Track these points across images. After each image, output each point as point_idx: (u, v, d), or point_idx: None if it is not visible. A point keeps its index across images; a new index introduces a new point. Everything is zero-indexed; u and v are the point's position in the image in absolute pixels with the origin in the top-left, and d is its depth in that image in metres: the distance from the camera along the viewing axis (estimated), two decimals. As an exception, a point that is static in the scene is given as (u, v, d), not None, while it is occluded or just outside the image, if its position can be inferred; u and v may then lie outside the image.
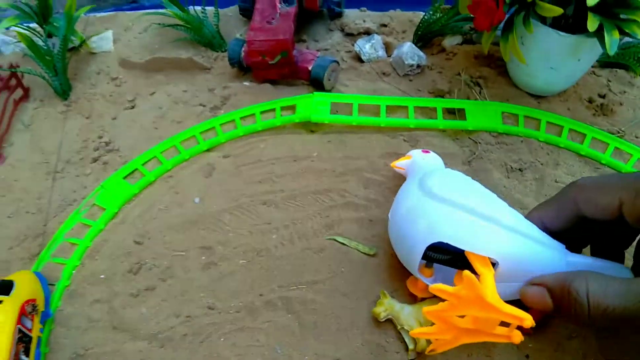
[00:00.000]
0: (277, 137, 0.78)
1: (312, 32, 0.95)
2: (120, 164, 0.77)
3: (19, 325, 0.52)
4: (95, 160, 0.79)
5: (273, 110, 0.80)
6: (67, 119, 0.85)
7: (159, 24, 0.94)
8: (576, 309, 0.44)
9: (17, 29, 0.85)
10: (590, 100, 0.82)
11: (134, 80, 0.90)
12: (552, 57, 0.73)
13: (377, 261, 0.63)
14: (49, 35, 0.89)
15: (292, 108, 0.80)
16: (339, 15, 0.96)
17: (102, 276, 0.66)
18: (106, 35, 0.93)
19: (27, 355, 0.54)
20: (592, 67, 0.86)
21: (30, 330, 0.55)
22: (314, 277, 0.63)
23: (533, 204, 0.67)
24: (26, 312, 0.55)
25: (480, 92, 0.81)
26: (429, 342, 0.54)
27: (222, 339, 0.59)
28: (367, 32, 0.92)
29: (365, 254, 0.64)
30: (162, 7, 0.92)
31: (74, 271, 0.66)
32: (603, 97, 0.83)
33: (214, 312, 0.61)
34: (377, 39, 0.88)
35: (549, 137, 0.75)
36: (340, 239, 0.65)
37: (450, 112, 0.79)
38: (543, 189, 0.69)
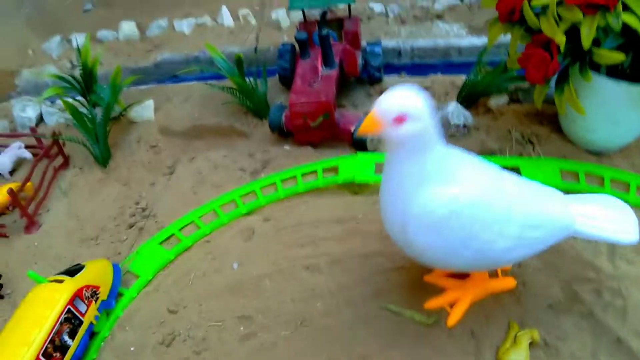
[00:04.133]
0: (319, 199, 0.74)
1: (351, 97, 0.94)
2: (157, 229, 0.74)
3: (69, 306, 0.54)
4: (131, 226, 0.76)
5: (315, 172, 0.77)
6: (105, 186, 0.84)
7: (208, 83, 0.94)
8: None
9: (62, 99, 0.86)
10: (657, 156, 0.76)
11: (173, 147, 0.89)
12: (611, 109, 0.69)
13: (436, 332, 0.56)
14: (94, 105, 0.90)
15: (334, 169, 0.77)
16: (379, 80, 0.95)
17: (132, 349, 0.60)
18: (147, 104, 0.93)
19: (72, 337, 0.55)
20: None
21: (82, 314, 0.56)
22: (366, 351, 0.56)
23: (608, 267, 0.60)
24: (83, 296, 0.57)
25: (533, 150, 0.76)
26: None
27: (262, 422, 0.52)
28: (409, 95, 0.90)
29: (422, 323, 0.57)
30: (201, 80, 0.95)
31: (102, 343, 0.61)
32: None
33: (253, 390, 0.54)
34: (420, 100, 0.86)
35: (615, 193, 0.69)
36: (393, 308, 0.59)
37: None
38: (617, 248, 0.62)
